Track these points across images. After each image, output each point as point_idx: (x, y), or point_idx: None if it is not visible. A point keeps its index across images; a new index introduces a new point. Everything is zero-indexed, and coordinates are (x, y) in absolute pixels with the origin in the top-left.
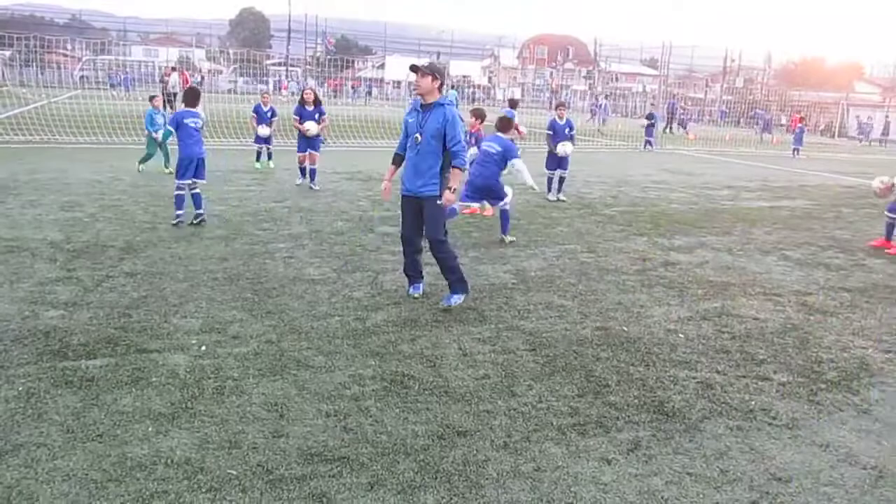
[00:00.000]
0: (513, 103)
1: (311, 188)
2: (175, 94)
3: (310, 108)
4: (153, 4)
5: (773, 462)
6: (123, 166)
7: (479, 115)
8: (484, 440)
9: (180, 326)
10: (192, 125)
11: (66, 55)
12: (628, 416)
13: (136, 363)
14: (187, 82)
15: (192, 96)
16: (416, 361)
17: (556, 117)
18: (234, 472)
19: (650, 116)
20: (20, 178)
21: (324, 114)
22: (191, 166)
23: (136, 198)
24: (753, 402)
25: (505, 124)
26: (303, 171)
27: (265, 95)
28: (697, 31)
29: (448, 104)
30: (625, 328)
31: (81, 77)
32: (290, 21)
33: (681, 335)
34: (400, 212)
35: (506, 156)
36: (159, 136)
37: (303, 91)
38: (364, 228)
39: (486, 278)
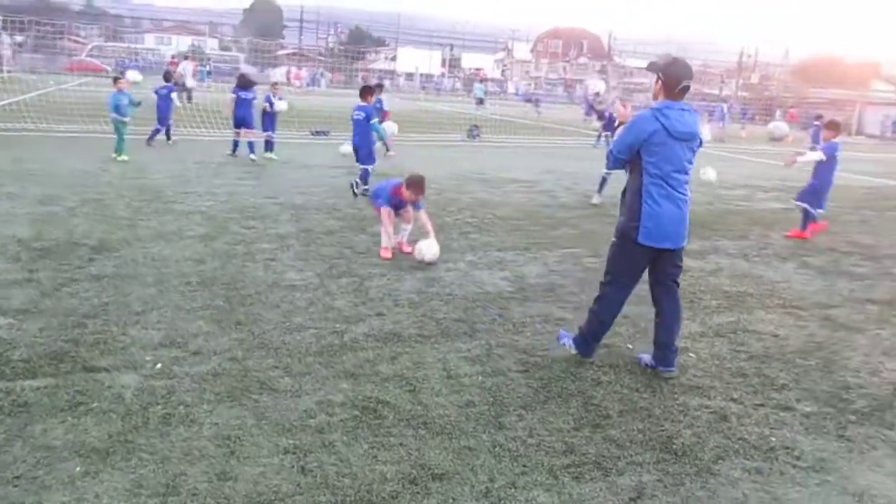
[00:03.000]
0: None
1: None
2: (184, 85)
3: (277, 95)
4: None
5: None
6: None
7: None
8: (463, 485)
9: (137, 339)
10: (357, 117)
11: (77, 41)
12: (631, 456)
13: (79, 385)
14: (195, 72)
15: (365, 92)
16: (393, 385)
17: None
18: None
19: (602, 116)
20: (4, 168)
21: (283, 99)
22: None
23: (120, 191)
24: (774, 439)
25: None
26: (242, 144)
27: (276, 86)
28: (713, 27)
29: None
30: (629, 346)
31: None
32: (302, 11)
33: (692, 354)
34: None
35: None
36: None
37: (274, 83)
38: (356, 228)
39: (480, 286)
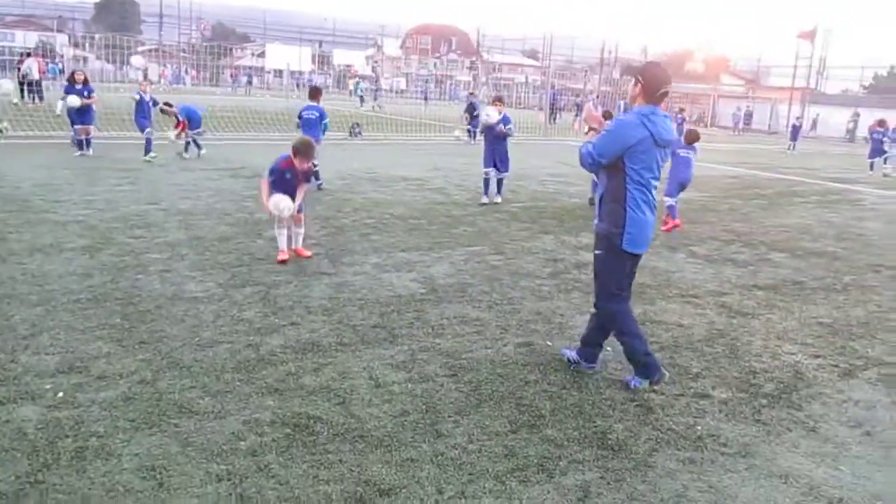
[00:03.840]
0: None
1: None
2: (34, 82)
3: (78, 86)
4: None
5: (735, 502)
6: None
7: None
8: (412, 499)
9: (31, 366)
10: (309, 116)
11: None
12: (571, 454)
13: None
14: (43, 70)
15: (314, 93)
16: (321, 398)
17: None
18: None
19: (472, 107)
20: None
21: (93, 91)
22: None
23: None
24: (699, 427)
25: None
26: (80, 142)
27: (143, 84)
28: (576, 23)
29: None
30: (549, 342)
31: None
32: (161, 6)
33: (608, 349)
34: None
35: None
36: None
37: (73, 72)
38: (251, 233)
39: (391, 289)
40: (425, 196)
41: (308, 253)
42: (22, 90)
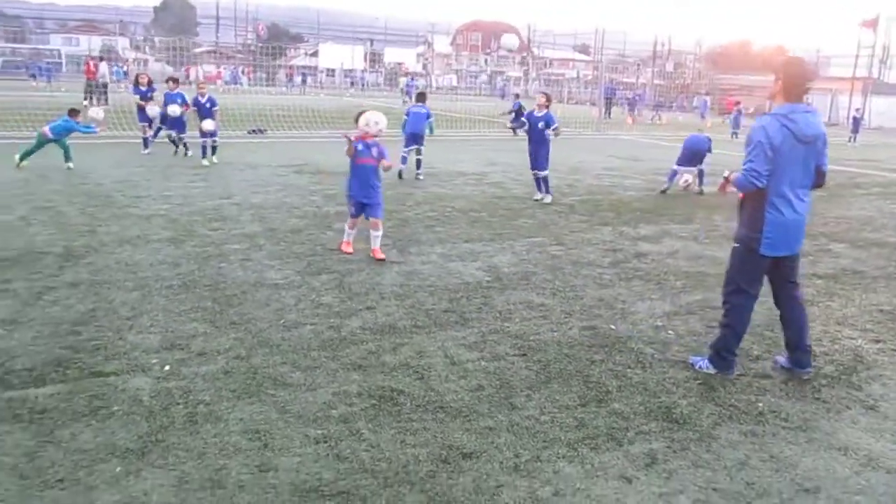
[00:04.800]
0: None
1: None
2: (105, 85)
3: (143, 88)
4: None
5: (796, 471)
6: (53, 164)
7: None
8: (492, 462)
9: (137, 344)
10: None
11: None
12: (637, 426)
13: (92, 389)
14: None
15: (421, 96)
16: (402, 374)
17: (535, 108)
18: None
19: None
20: None
21: (156, 91)
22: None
23: (70, 198)
24: (761, 404)
25: None
26: (145, 140)
27: (202, 86)
28: (628, 17)
29: None
30: (612, 326)
31: None
32: (218, 8)
33: (670, 332)
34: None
35: None
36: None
37: (137, 75)
38: (321, 226)
39: (458, 276)
40: (484, 190)
41: (382, 255)
42: (92, 93)
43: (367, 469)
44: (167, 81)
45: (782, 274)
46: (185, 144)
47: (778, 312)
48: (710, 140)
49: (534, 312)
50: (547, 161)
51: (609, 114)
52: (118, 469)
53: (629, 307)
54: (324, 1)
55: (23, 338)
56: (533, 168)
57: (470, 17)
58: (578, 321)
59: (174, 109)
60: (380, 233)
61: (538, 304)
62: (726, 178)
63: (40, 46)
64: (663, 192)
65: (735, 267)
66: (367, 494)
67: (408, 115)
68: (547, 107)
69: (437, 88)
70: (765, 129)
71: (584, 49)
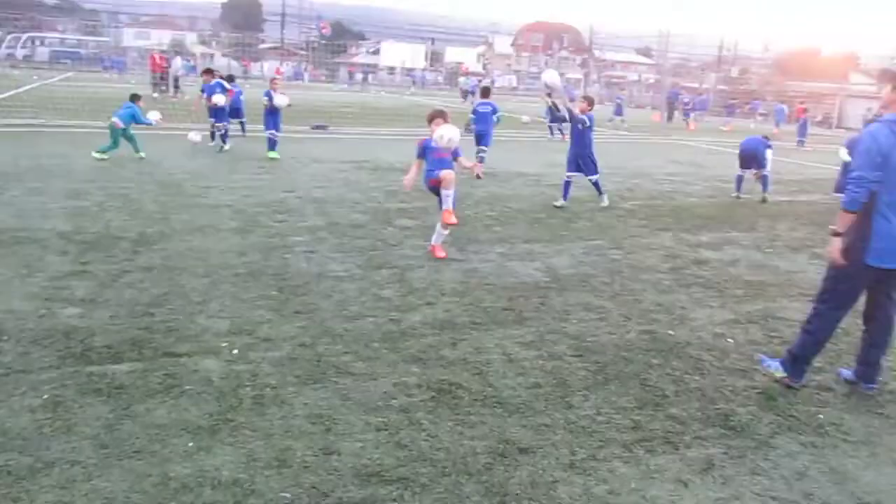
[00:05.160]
0: None
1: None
2: (177, 79)
3: (212, 82)
4: None
5: (857, 485)
6: (127, 154)
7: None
8: (548, 458)
9: (208, 327)
10: (483, 110)
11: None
12: (694, 431)
13: (166, 369)
14: (162, 68)
15: (485, 91)
16: (460, 368)
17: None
18: (288, 496)
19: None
20: (22, 164)
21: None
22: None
23: (142, 186)
24: (822, 416)
25: None
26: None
27: (274, 82)
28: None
29: None
30: (670, 332)
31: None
32: (284, 5)
33: (730, 340)
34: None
35: None
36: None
37: (207, 69)
38: (382, 221)
39: (517, 276)
40: (543, 191)
41: (443, 254)
42: (165, 84)
43: (426, 458)
44: (202, 74)
45: (884, 288)
46: (222, 136)
47: (848, 322)
48: (767, 140)
49: (591, 314)
50: (595, 164)
51: (671, 118)
52: (190, 444)
53: (688, 313)
54: (384, 0)
55: (101, 317)
56: (580, 171)
57: (532, 17)
58: (636, 325)
59: (219, 98)
60: (447, 231)
61: (596, 307)
62: (835, 233)
63: (64, 36)
64: (736, 197)
65: (835, 275)
66: (426, 482)
67: (475, 113)
68: (589, 110)
69: (498, 88)
70: (873, 136)
71: (646, 52)
